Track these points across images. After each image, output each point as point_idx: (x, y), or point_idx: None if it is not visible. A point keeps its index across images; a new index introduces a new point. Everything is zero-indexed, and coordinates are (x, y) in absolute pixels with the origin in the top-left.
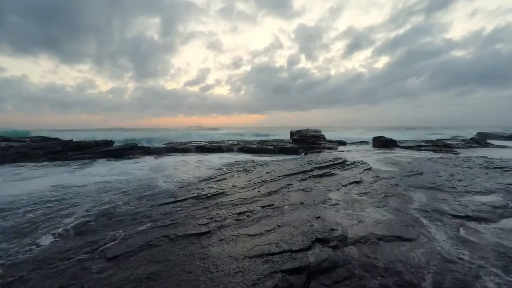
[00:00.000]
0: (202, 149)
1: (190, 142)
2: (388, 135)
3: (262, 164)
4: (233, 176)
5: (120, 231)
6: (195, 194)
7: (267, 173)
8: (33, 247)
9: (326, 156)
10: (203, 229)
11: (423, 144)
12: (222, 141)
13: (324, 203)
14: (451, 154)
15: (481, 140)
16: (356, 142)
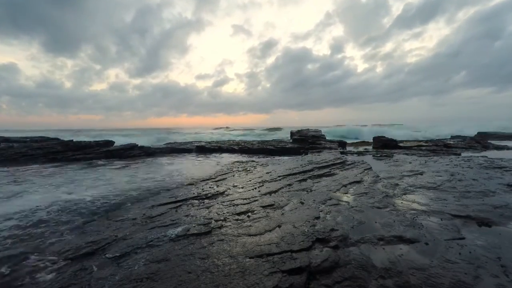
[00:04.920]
0: (202, 149)
1: (191, 142)
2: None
3: (262, 164)
4: (233, 176)
5: (120, 231)
6: (195, 194)
7: (267, 173)
8: None
9: (326, 156)
10: (203, 229)
11: (423, 144)
12: (223, 141)
13: (324, 203)
14: (451, 154)
15: (481, 140)
16: (357, 142)
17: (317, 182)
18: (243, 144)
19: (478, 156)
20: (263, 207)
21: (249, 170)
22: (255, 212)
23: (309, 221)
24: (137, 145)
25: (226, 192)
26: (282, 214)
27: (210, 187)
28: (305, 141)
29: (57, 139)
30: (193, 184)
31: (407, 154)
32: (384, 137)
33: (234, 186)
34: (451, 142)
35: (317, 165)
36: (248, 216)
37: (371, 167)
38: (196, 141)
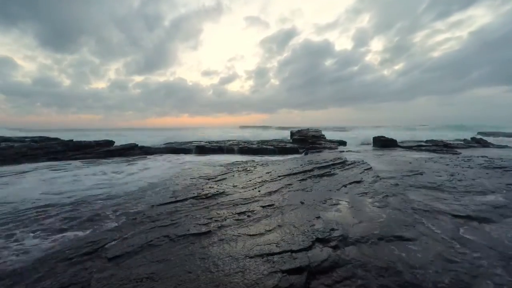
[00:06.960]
0: (202, 149)
1: (191, 142)
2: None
3: (262, 164)
4: (233, 176)
5: (120, 231)
6: (195, 194)
7: (267, 173)
8: None
9: (326, 156)
10: (203, 229)
11: (423, 144)
12: (223, 141)
13: (324, 203)
14: (451, 154)
15: (481, 140)
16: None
17: (317, 182)
18: (243, 144)
19: (478, 156)
20: (263, 207)
21: (249, 170)
22: (255, 212)
23: (309, 221)
24: (137, 145)
25: (226, 192)
26: (282, 214)
27: (210, 187)
28: (305, 141)
29: (57, 139)
30: (193, 184)
31: (407, 153)
32: (384, 137)
33: (234, 186)
34: (451, 142)
35: (317, 165)
36: (248, 216)
37: (371, 167)
38: (196, 141)
